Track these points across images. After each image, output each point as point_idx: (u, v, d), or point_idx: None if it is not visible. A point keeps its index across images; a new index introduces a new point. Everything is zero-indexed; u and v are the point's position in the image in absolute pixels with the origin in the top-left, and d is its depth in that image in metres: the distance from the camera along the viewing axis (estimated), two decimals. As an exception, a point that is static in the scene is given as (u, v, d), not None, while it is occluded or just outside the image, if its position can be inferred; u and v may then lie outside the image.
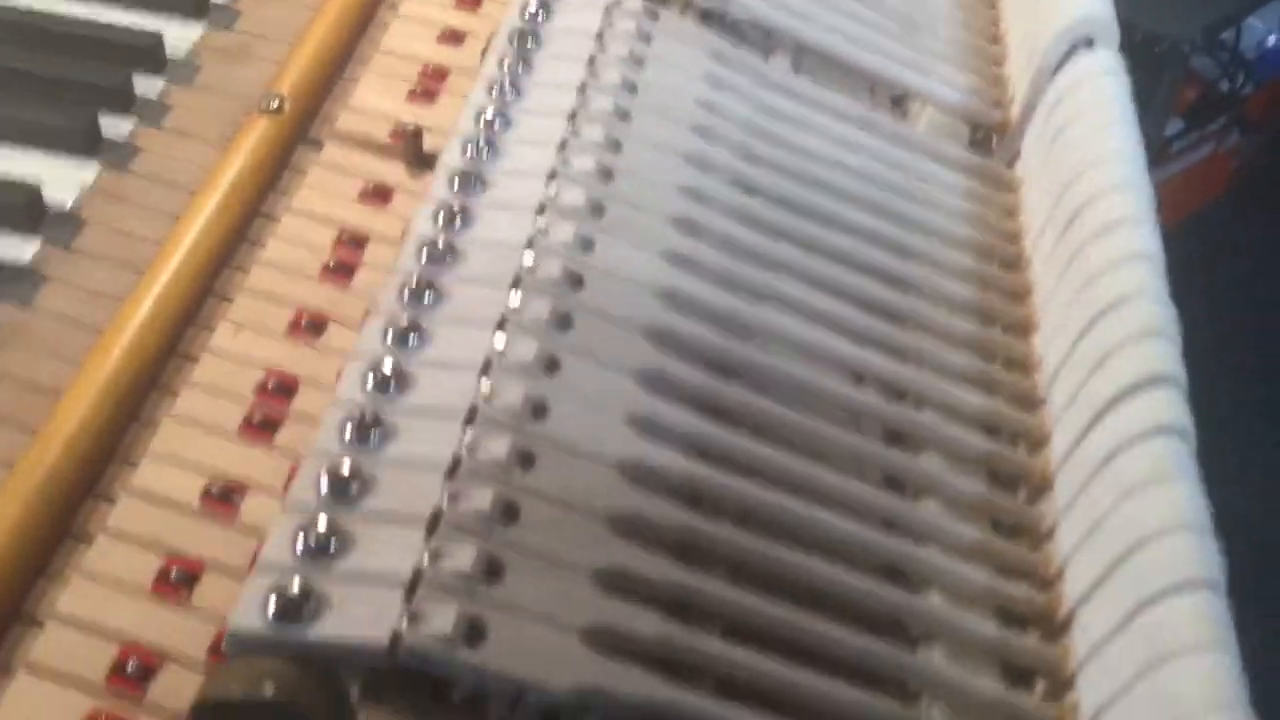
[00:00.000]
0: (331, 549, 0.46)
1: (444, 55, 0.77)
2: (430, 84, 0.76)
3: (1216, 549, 0.51)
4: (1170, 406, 0.56)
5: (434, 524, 0.48)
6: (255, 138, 0.71)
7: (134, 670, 0.50)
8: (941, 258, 0.69)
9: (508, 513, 0.49)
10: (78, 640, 0.51)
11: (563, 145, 0.64)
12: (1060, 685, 0.53)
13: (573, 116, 0.65)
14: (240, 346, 0.62)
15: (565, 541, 0.49)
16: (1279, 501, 1.63)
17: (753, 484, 0.55)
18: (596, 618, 0.47)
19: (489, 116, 0.65)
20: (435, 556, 0.46)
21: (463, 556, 0.46)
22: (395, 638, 0.44)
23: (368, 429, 0.50)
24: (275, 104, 0.73)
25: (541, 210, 0.60)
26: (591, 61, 0.68)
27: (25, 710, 0.49)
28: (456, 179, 0.62)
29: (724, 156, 0.67)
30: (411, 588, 0.46)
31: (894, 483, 0.60)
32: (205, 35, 0.78)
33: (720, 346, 0.59)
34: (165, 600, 0.52)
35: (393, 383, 0.52)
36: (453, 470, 0.50)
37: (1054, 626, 0.55)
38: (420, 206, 0.61)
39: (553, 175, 0.62)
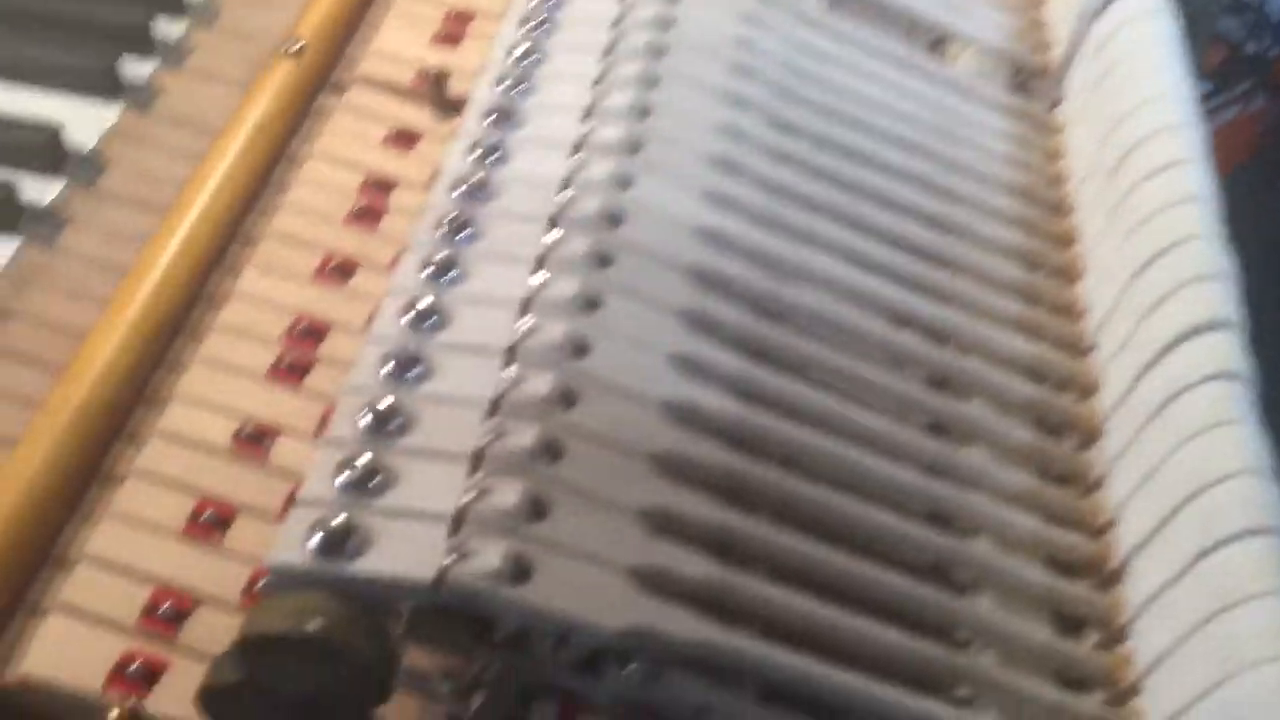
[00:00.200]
0: (373, 484, 0.45)
1: (469, -3, 0.75)
2: (454, 27, 0.74)
3: (1279, 494, 0.50)
4: (1229, 351, 0.54)
5: (477, 461, 0.46)
6: (278, 81, 0.70)
7: (167, 612, 0.49)
8: (984, 201, 0.67)
9: (551, 450, 0.47)
10: (110, 582, 0.50)
11: (598, 81, 0.62)
12: (1112, 635, 0.52)
13: (608, 52, 0.64)
14: (267, 290, 0.61)
15: (610, 481, 0.47)
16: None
17: (797, 427, 0.54)
18: (645, 558, 0.46)
19: (521, 51, 0.63)
20: (480, 493, 0.45)
21: (508, 493, 0.45)
22: (441, 574, 0.43)
23: (406, 364, 0.49)
24: (297, 47, 0.71)
25: (578, 147, 0.59)
26: (625, -5, 0.66)
27: (58, 651, 0.48)
28: (491, 115, 0.60)
29: (762, 95, 0.66)
30: (456, 524, 0.44)
31: (938, 428, 0.58)
32: (227, -23, 0.77)
33: (762, 287, 0.58)
34: (198, 542, 0.52)
35: (431, 318, 0.51)
36: (494, 407, 0.48)
37: (1104, 576, 0.54)
38: (451, 144, 0.60)
39: (588, 112, 0.61)
